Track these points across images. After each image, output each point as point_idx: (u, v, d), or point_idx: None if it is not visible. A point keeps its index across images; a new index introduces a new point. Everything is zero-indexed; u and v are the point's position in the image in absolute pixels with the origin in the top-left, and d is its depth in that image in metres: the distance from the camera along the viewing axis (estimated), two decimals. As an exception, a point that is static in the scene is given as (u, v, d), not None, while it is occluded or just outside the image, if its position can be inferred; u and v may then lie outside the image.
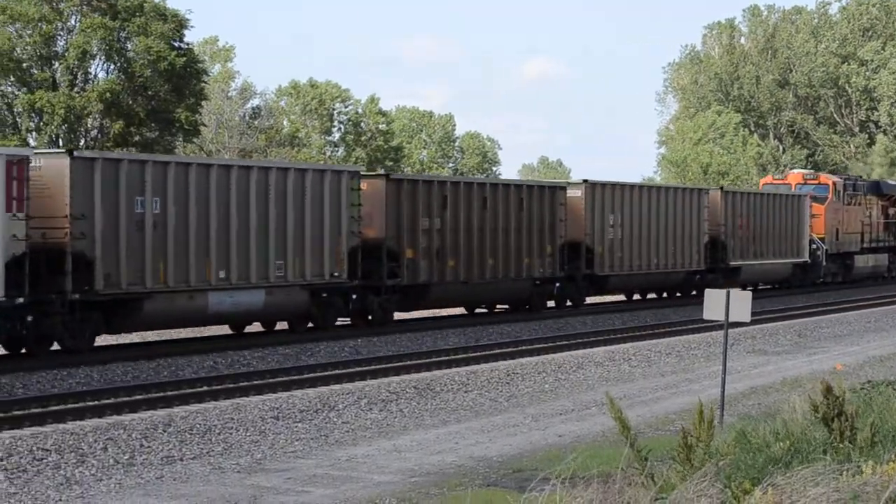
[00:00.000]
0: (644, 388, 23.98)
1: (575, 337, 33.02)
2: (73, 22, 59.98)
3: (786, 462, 11.81)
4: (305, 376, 24.79)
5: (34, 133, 59.15)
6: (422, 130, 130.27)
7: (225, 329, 32.54)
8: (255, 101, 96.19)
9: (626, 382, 24.83)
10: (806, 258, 53.44)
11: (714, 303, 18.55)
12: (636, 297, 47.45)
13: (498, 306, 39.64)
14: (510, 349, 30.14)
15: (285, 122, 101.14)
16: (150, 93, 59.97)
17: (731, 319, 18.41)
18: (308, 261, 31.02)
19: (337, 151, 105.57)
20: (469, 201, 36.10)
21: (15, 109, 59.93)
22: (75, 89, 59.43)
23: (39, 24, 58.18)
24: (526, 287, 38.63)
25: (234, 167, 29.84)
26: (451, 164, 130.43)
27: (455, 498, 14.01)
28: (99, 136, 59.73)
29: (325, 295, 32.03)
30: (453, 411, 20.97)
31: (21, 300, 25.00)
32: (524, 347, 30.52)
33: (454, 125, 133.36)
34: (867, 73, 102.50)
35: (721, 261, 47.64)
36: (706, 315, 18.73)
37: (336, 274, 31.74)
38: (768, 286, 54.06)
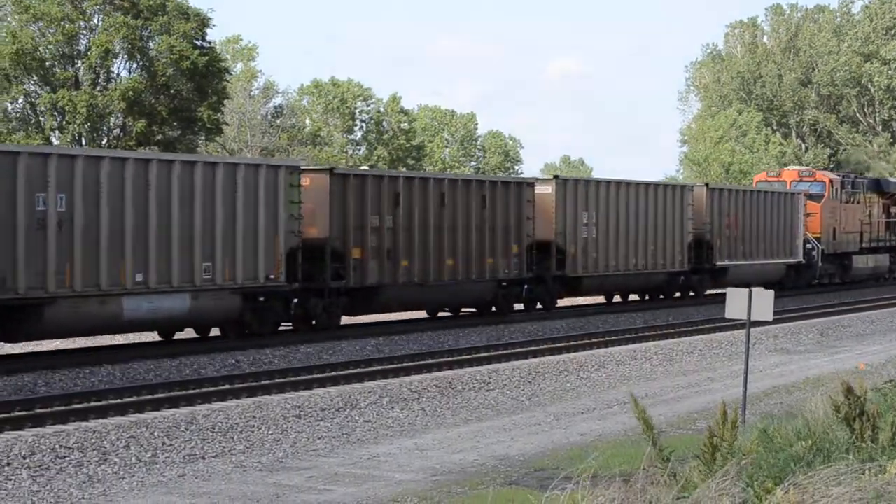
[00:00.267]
0: (666, 386, 23.97)
1: (596, 336, 32.95)
2: (95, 21, 60.18)
3: (808, 461, 11.78)
4: (327, 374, 24.73)
5: (57, 132, 59.39)
6: (444, 129, 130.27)
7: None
8: (278, 100, 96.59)
9: (648, 381, 24.83)
10: (800, 258, 50.77)
11: (736, 301, 18.48)
12: (616, 299, 44.73)
13: (463, 310, 37.60)
14: (532, 347, 30.13)
15: (307, 121, 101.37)
16: (172, 92, 60.13)
17: (753, 318, 18.33)
18: (240, 262, 28.71)
19: (359, 150, 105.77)
20: (425, 198, 33.89)
21: (38, 108, 60.16)
22: (98, 88, 59.63)
23: (62, 22, 58.41)
24: (490, 289, 36.33)
25: (152, 161, 27.41)
26: (473, 163, 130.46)
27: (477, 496, 14.03)
28: (121, 134, 59.92)
29: (262, 299, 29.86)
30: (475, 410, 20.98)
31: None
32: (546, 346, 30.50)
33: (476, 124, 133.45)
34: (890, 73, 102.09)
35: (707, 261, 45.16)
36: (728, 314, 18.54)
37: (272, 276, 29.51)
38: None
